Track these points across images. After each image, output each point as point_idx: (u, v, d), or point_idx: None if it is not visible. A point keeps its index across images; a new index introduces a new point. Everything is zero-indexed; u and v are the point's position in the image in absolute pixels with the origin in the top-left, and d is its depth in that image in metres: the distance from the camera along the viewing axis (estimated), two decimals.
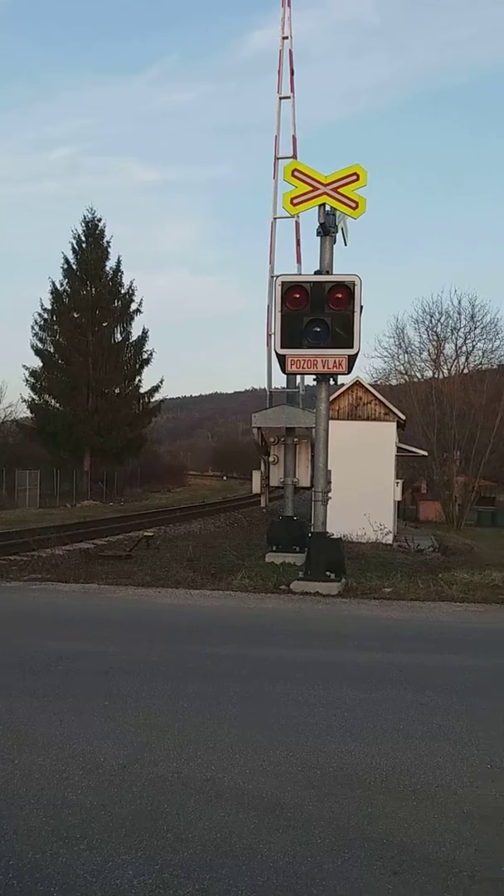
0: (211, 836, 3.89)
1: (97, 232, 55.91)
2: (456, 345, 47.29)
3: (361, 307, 12.29)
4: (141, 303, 57.18)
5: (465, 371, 47.25)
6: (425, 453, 36.56)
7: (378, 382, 45.25)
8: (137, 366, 57.19)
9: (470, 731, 5.62)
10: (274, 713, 5.97)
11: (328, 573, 12.96)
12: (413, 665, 7.91)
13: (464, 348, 47.16)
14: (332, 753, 5.09)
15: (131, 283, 57.18)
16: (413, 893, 3.40)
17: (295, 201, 12.81)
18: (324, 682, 6.99)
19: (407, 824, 4.08)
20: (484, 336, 47.06)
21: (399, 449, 28.16)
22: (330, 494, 13.56)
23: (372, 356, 57.38)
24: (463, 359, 47.47)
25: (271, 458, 18.68)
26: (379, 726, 5.70)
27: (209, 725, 5.62)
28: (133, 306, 57.03)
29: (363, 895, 3.38)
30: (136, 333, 57.16)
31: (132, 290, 56.83)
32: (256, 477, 19.37)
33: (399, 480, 28.00)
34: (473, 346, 47.24)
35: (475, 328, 46.57)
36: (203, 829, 3.95)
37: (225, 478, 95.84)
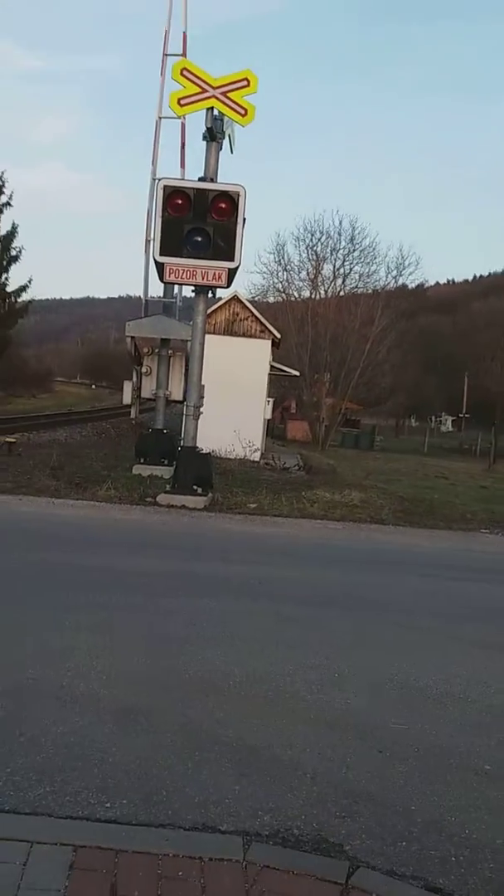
0: (65, 740, 3.90)
1: None
2: (334, 266, 47.58)
3: (244, 219, 12.04)
4: (11, 196, 53.72)
5: (342, 293, 47.79)
6: (297, 373, 37.01)
7: (256, 299, 45.08)
8: (4, 262, 54.15)
9: (321, 642, 5.88)
10: (133, 622, 6.02)
11: (195, 487, 13.06)
12: (272, 578, 8.16)
13: (341, 270, 47.54)
14: (188, 661, 5.20)
15: (1, 174, 53.69)
16: (259, 793, 3.55)
17: (182, 102, 12.26)
18: (184, 593, 7.10)
19: (256, 729, 4.24)
20: (362, 259, 47.54)
21: (273, 367, 28.34)
22: (202, 409, 13.55)
23: (251, 272, 57.19)
24: (340, 281, 47.90)
25: (144, 370, 18.35)
26: (236, 635, 5.86)
27: (66, 633, 5.59)
28: (2, 199, 53.68)
29: (211, 795, 3.50)
30: (4, 228, 53.93)
31: (2, 182, 53.40)
32: (128, 387, 19.02)
33: (270, 399, 28.30)
34: (351, 269, 47.68)
35: (354, 251, 46.93)
36: (57, 734, 3.96)
37: (94, 386, 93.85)
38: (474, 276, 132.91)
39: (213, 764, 3.79)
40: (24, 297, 56.58)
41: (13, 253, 54.78)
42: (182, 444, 13.49)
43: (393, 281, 49.31)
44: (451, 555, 11.03)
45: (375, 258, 48.67)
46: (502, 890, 3.03)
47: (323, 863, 3.10)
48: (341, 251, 46.98)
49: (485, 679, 5.39)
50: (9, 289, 55.45)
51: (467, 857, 3.23)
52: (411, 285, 58.34)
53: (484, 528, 13.45)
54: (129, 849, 3.01)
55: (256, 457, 24.63)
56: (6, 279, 54.93)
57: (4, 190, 53.64)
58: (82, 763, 3.68)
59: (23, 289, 55.99)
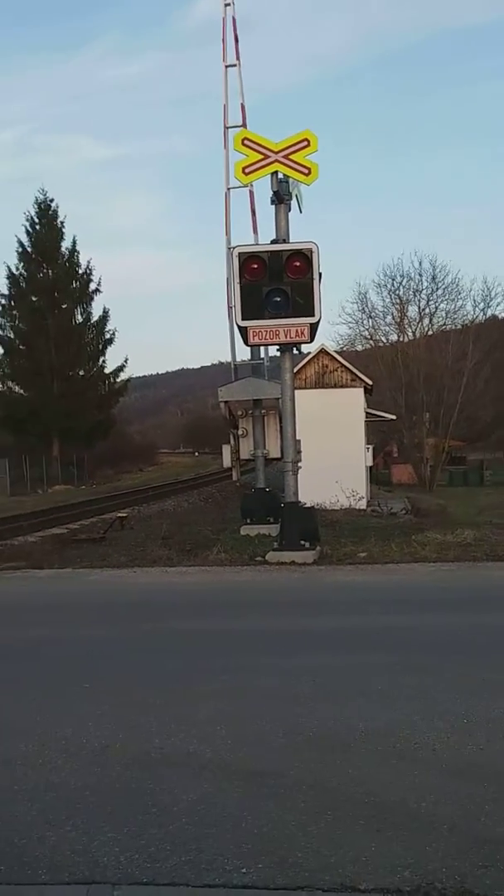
0: (195, 808, 3.92)
1: (50, 213, 54.98)
2: (419, 307, 47.51)
3: (320, 274, 12.22)
4: (100, 282, 56.48)
5: (430, 333, 47.54)
6: (394, 417, 36.76)
7: (344, 349, 45.31)
8: (100, 346, 56.66)
9: (447, 689, 5.71)
10: (254, 684, 6.02)
11: (302, 542, 13.03)
12: (390, 627, 8.00)
13: (427, 310, 47.40)
14: (312, 719, 5.15)
15: (88, 262, 56.46)
16: (396, 850, 3.46)
17: (247, 170, 12.68)
18: (303, 650, 7.06)
19: (387, 783, 4.14)
20: (446, 297, 47.32)
21: (368, 414, 28.27)
22: (300, 464, 13.60)
23: (336, 323, 57.45)
24: (427, 321, 47.73)
25: (240, 431, 18.65)
26: (358, 689, 5.77)
27: (189, 700, 5.65)
28: (92, 286, 56.31)
29: (347, 854, 3.43)
30: (96, 313, 56.56)
31: (90, 270, 56.12)
32: (226, 451, 19.35)
33: (370, 445, 28.16)
34: (436, 308, 47.50)
35: (437, 289, 46.81)
36: (187, 803, 3.98)
37: (197, 454, 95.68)
38: None
39: (345, 822, 3.72)
40: (122, 376, 58.80)
41: (107, 336, 57.30)
42: (284, 500, 13.54)
43: (481, 314, 48.70)
44: None
45: (460, 293, 48.32)
46: None
47: None
48: (424, 291, 46.91)
49: None
50: (107, 370, 57.76)
51: None
52: (501, 315, 57.31)
53: None
54: None
55: (362, 505, 24.42)
56: (104, 362, 57.37)
57: (93, 277, 56.40)
58: (215, 830, 3.69)
59: (120, 369, 58.29)
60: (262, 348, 18.05)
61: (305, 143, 12.43)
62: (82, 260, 55.99)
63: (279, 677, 6.17)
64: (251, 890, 3.17)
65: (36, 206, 54.64)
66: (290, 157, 12.42)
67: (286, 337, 12.45)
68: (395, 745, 4.67)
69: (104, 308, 57.18)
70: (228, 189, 19.39)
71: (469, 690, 5.66)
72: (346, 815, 3.80)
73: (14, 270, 53.86)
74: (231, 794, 4.07)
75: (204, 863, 3.40)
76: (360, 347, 49.97)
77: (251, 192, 19.15)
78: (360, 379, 26.93)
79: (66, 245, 55.18)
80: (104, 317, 56.58)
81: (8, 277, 53.79)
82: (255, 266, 12.19)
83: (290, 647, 7.17)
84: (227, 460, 19.46)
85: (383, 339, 49.08)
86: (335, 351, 29.79)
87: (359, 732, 4.87)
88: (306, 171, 12.47)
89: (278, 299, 12.17)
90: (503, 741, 4.68)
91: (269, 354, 18.70)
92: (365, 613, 8.89)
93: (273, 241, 12.89)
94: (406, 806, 3.88)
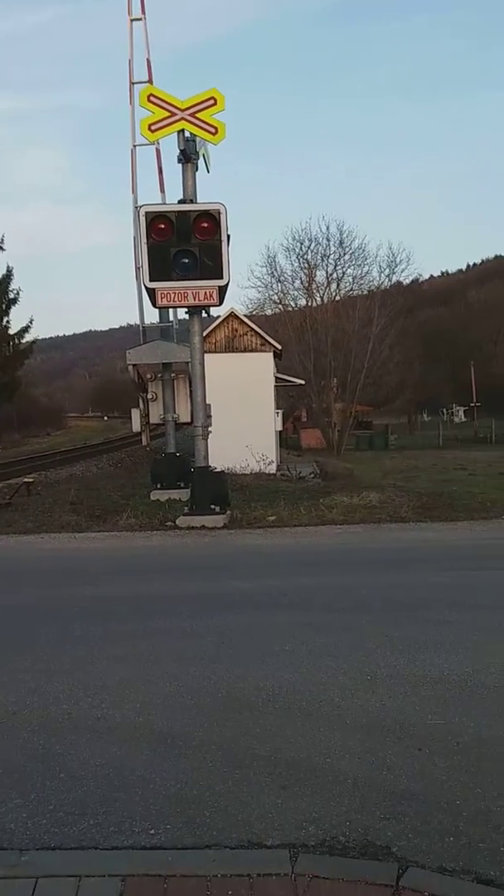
0: (104, 772, 3.92)
1: None
2: (327, 272, 47.72)
3: (229, 236, 12.12)
4: (2, 240, 54.46)
5: (337, 298, 47.89)
6: (303, 382, 37.05)
7: (253, 313, 45.25)
8: (3, 306, 54.67)
9: (351, 647, 5.86)
10: (163, 647, 6.03)
11: (213, 506, 13.08)
12: (297, 588, 8.15)
13: (334, 275, 47.67)
14: (220, 680, 5.20)
15: None
16: (301, 805, 3.55)
17: (153, 127, 12.39)
18: (211, 613, 7.11)
19: (293, 741, 4.24)
20: (353, 262, 47.69)
21: (277, 379, 28.40)
22: (210, 428, 13.59)
23: (246, 286, 57.46)
24: (334, 286, 48.02)
25: (150, 395, 18.47)
26: (266, 649, 5.86)
27: (98, 665, 5.62)
28: None
29: (254, 812, 3.50)
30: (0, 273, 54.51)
31: None
32: (136, 415, 19.13)
33: (279, 410, 28.34)
34: (344, 273, 47.81)
35: (344, 254, 47.06)
36: (96, 766, 3.98)
37: (106, 418, 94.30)
38: (468, 265, 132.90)
39: (252, 780, 3.79)
40: (27, 337, 56.98)
41: (11, 296, 55.28)
42: (195, 464, 13.53)
43: (387, 280, 49.42)
44: (473, 545, 10.97)
45: (367, 259, 48.86)
46: None
47: (372, 867, 3.09)
48: (332, 256, 47.16)
49: None
50: (11, 331, 55.92)
51: None
52: (406, 281, 58.41)
53: None
54: (176, 873, 3.02)
55: (272, 469, 24.65)
56: (7, 322, 55.42)
57: None
58: (124, 793, 3.69)
59: (25, 330, 56.39)
60: (171, 311, 17.86)
61: (212, 101, 12.22)
62: None
63: (188, 640, 6.21)
64: (159, 850, 3.20)
65: None
66: (197, 115, 12.20)
67: (195, 299, 12.33)
68: (300, 703, 4.77)
69: (7, 266, 55.13)
70: (135, 146, 18.93)
71: (372, 648, 5.82)
72: (253, 773, 3.87)
73: None
74: (139, 757, 4.08)
75: (112, 825, 3.41)
76: (269, 312, 50.03)
77: (158, 150, 18.77)
78: (270, 343, 26.99)
79: None
80: (7, 275, 54.48)
81: None
82: (163, 226, 11.99)
83: (199, 610, 7.21)
84: (136, 425, 19.25)
85: (292, 303, 49.29)
86: (245, 315, 29.70)
87: (265, 692, 4.96)
88: (213, 131, 12.29)
89: (186, 261, 12.02)
90: (405, 696, 4.85)
91: (179, 317, 18.51)
92: (273, 576, 9.01)
93: (180, 201, 12.68)
94: (311, 762, 3.98)
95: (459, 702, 4.74)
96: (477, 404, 77.07)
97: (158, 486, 17.44)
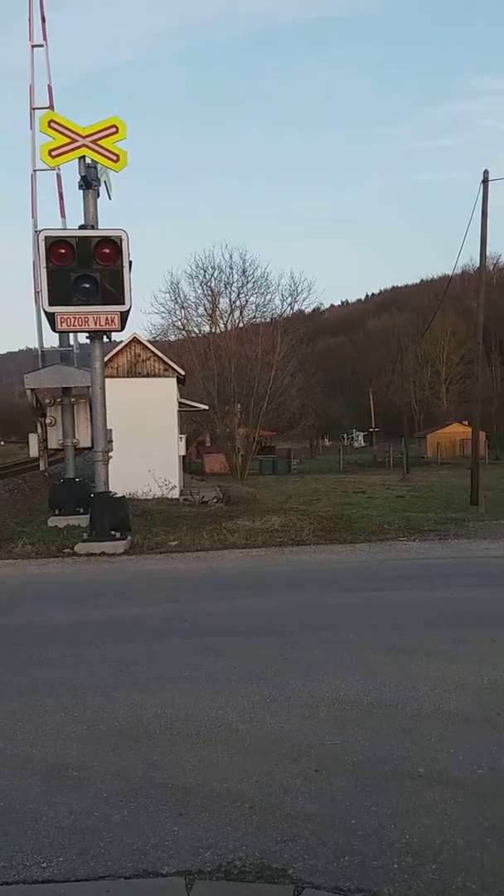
0: None
1: None
2: (230, 299, 48.33)
3: (130, 262, 12.13)
4: None
5: (241, 325, 48.47)
6: (207, 407, 37.19)
7: (157, 338, 45.31)
8: None
9: (250, 671, 5.88)
10: (59, 677, 5.90)
11: (113, 532, 12.92)
12: (196, 613, 8.12)
13: (238, 302, 48.31)
14: (117, 708, 5.13)
15: None
16: (198, 831, 3.53)
17: (53, 153, 12.32)
18: (109, 640, 7.00)
19: (190, 766, 4.21)
20: (256, 290, 48.51)
21: (181, 404, 28.40)
22: (111, 453, 13.46)
23: (149, 312, 57.56)
24: (237, 313, 48.64)
25: (48, 420, 18.12)
26: (165, 675, 5.81)
27: None
28: None
29: (150, 840, 3.45)
30: None
31: None
32: (33, 440, 18.71)
33: (182, 435, 28.31)
34: (247, 301, 48.51)
35: (247, 282, 47.80)
36: None
37: (2, 443, 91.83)
38: (367, 296, 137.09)
39: (149, 808, 3.75)
40: None
41: None
42: (95, 490, 13.35)
43: (289, 308, 50.36)
44: (370, 566, 11.21)
45: (269, 287, 49.79)
46: (446, 890, 3.09)
47: (268, 890, 3.10)
48: (235, 284, 47.81)
49: (412, 684, 5.49)
50: None
51: (409, 863, 3.27)
52: (307, 310, 59.66)
53: (401, 537, 13.75)
54: None
55: (175, 494, 24.56)
56: None
57: None
58: (14, 826, 3.59)
59: None
60: (71, 335, 17.64)
61: (114, 129, 12.26)
62: None
63: (85, 668, 6.09)
64: (51, 884, 3.12)
65: None
66: (99, 142, 12.21)
67: (96, 324, 12.25)
68: (199, 728, 4.75)
69: None
70: (35, 171, 18.71)
71: (271, 670, 5.86)
72: (149, 801, 3.82)
73: None
74: (32, 789, 3.97)
75: (3, 860, 3.31)
76: (173, 337, 50.16)
77: (58, 176, 18.61)
78: (173, 369, 27.00)
79: None
80: None
81: None
82: (63, 251, 11.89)
83: (97, 638, 7.08)
84: (33, 450, 18.80)
85: (196, 329, 49.58)
86: (148, 340, 29.64)
87: (163, 718, 4.91)
88: (115, 158, 12.31)
89: (87, 286, 11.95)
90: (302, 718, 4.90)
91: (79, 342, 18.31)
92: (174, 601, 8.95)
93: (81, 227, 12.61)
94: (208, 787, 3.96)
95: (356, 722, 4.82)
96: (375, 429, 79.19)
97: (57, 511, 17.10)
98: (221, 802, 3.80)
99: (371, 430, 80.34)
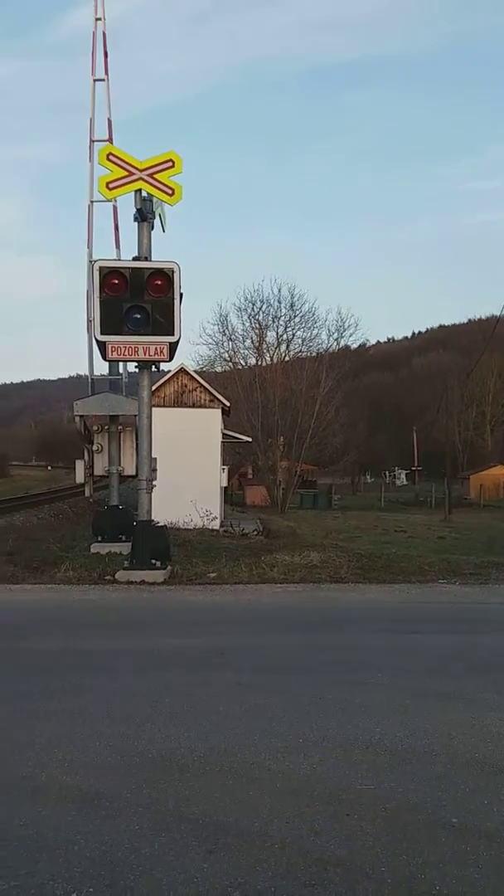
0: (27, 832, 3.83)
1: None
2: (277, 333, 48.71)
3: (181, 294, 12.35)
4: None
5: (286, 358, 48.78)
6: (250, 439, 37.35)
7: (203, 369, 45.70)
8: None
9: (284, 709, 5.85)
10: (94, 706, 5.94)
11: (153, 561, 12.99)
12: (233, 647, 8.12)
13: (284, 336, 48.68)
14: (152, 740, 5.14)
15: None
16: (227, 869, 3.52)
17: (111, 185, 12.65)
18: (144, 670, 7.03)
19: (222, 803, 4.20)
20: (303, 325, 48.85)
21: (224, 435, 28.57)
22: (155, 482, 13.58)
23: (197, 343, 58.08)
24: (284, 346, 48.98)
25: (95, 447, 18.39)
26: (199, 709, 5.81)
27: (26, 723, 5.50)
28: None
29: (179, 876, 3.45)
30: None
31: None
32: (80, 466, 18.99)
33: (225, 466, 28.43)
34: (293, 335, 48.86)
35: (294, 317, 48.19)
36: (20, 826, 3.89)
37: (50, 468, 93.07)
38: (413, 333, 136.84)
39: (179, 843, 3.75)
40: None
41: None
42: (137, 518, 13.46)
43: (335, 343, 50.59)
44: (409, 608, 11.09)
45: (316, 322, 50.04)
46: None
47: None
48: (283, 318, 48.22)
49: (447, 731, 5.41)
50: None
51: None
52: (353, 346, 59.78)
53: (441, 579, 13.58)
54: None
55: (215, 525, 24.62)
56: None
57: None
58: (46, 854, 3.61)
59: None
60: (120, 364, 17.94)
61: (170, 163, 12.56)
62: None
63: (121, 698, 6.12)
64: None
65: None
66: (155, 176, 12.51)
67: (145, 354, 12.46)
68: (232, 765, 4.74)
69: None
70: (91, 202, 19.24)
71: (305, 710, 5.83)
72: (180, 836, 3.82)
73: None
74: (64, 818, 4.00)
75: (34, 887, 3.33)
76: (219, 369, 50.61)
77: (115, 208, 19.10)
78: (218, 400, 27.21)
79: None
80: None
81: None
82: (117, 281, 12.16)
83: (133, 668, 7.12)
84: (80, 476, 19.08)
85: (242, 361, 49.98)
86: (195, 371, 29.96)
87: (197, 753, 4.91)
88: (170, 192, 12.60)
89: (138, 316, 12.18)
90: (335, 760, 4.86)
91: (128, 370, 18.61)
92: (211, 634, 8.96)
93: (135, 258, 12.89)
94: (239, 825, 3.95)
95: (389, 767, 4.76)
96: (418, 468, 78.51)
97: (99, 538, 17.27)
98: (252, 841, 3.78)
99: (413, 468, 79.70)
